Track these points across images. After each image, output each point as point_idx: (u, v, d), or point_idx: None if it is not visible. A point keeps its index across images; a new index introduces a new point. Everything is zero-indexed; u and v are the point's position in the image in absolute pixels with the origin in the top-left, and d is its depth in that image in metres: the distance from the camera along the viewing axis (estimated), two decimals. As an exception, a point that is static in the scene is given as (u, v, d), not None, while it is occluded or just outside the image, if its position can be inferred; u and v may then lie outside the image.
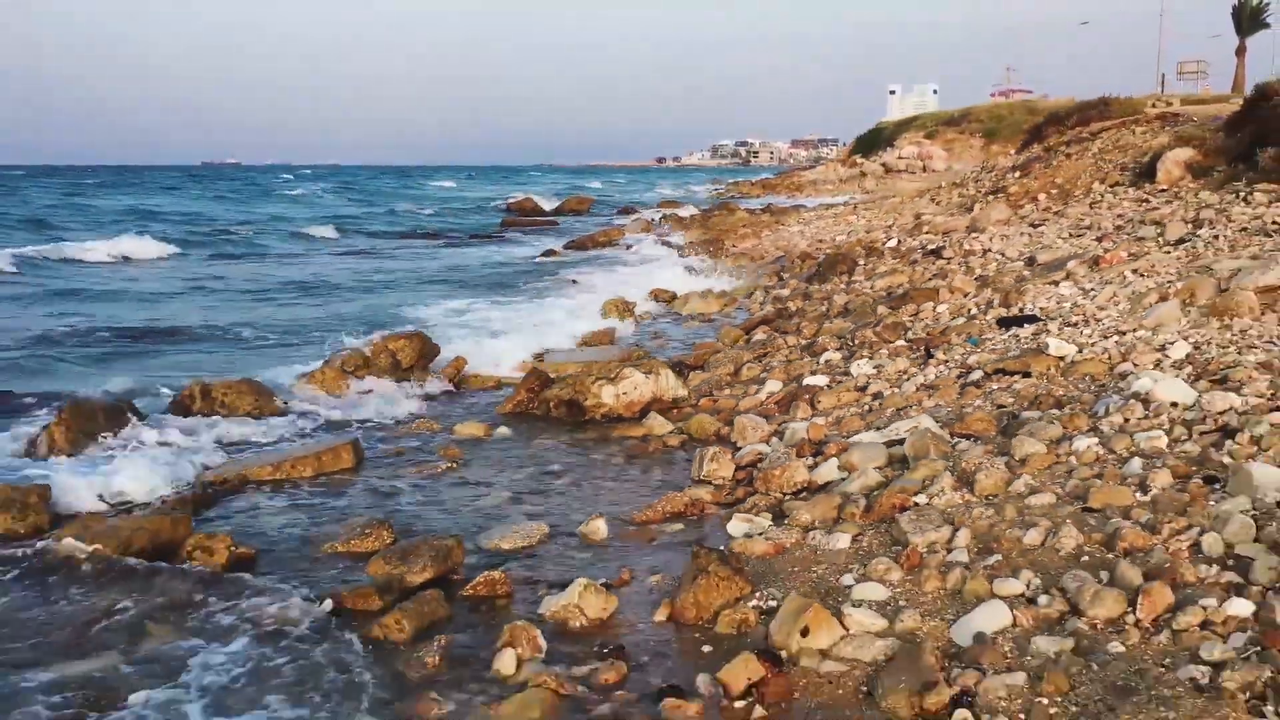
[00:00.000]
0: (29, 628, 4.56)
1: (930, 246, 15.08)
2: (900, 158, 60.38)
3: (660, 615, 4.52)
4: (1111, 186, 18.62)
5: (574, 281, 17.06)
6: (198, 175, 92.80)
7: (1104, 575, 4.11)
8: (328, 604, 4.66)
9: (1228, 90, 41.18)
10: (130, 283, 18.74)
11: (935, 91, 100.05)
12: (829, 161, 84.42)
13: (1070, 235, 13.76)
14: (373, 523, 5.57)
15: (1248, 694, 3.19)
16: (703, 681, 3.87)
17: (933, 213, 21.39)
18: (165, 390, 8.59)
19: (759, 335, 11.02)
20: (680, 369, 9.20)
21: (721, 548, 4.90)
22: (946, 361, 8.18)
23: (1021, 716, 3.31)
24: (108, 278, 19.54)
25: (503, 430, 7.87)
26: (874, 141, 71.97)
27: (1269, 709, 3.09)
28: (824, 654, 3.95)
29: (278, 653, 4.30)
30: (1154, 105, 30.82)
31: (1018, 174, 22.62)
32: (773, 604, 4.39)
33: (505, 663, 4.08)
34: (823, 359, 9.10)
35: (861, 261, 15.19)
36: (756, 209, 33.71)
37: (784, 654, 3.95)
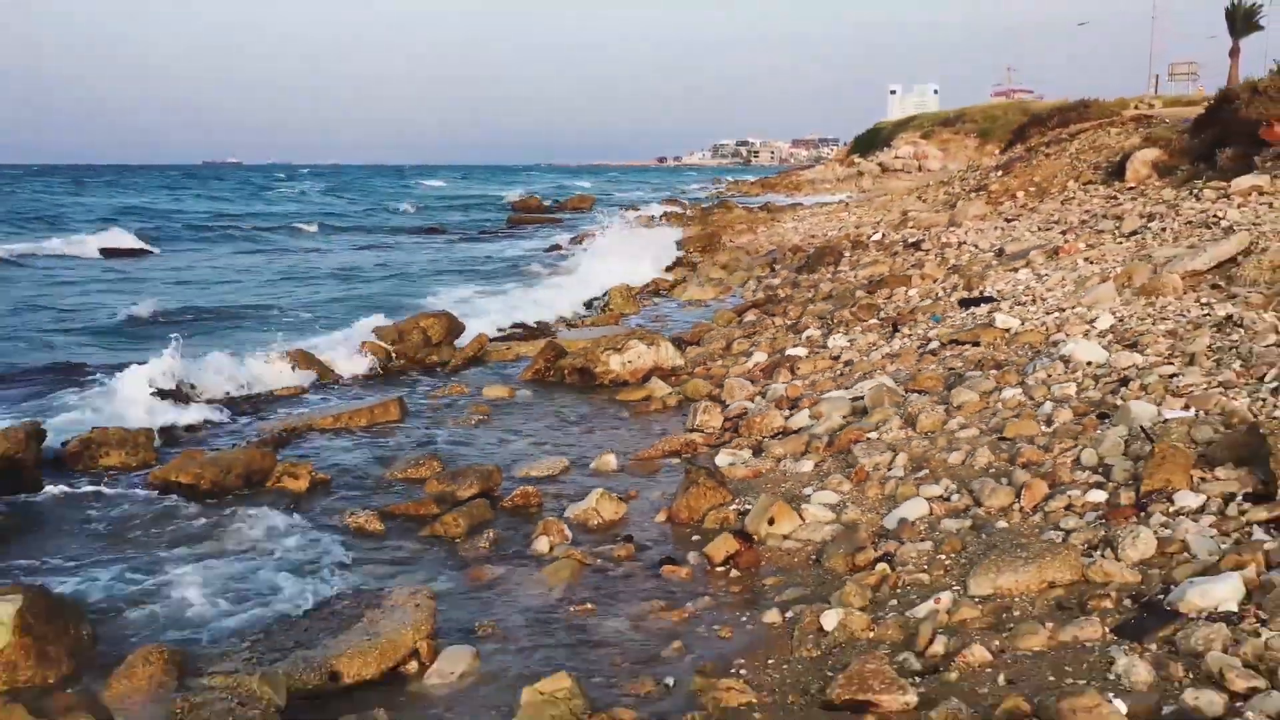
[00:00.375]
0: (160, 527, 5.77)
1: (911, 240, 16.27)
2: (897, 157, 61.53)
3: (660, 517, 5.74)
4: (1085, 185, 19.83)
5: (579, 271, 18.26)
6: (196, 175, 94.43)
7: (1003, 480, 5.32)
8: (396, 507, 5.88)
9: (1222, 92, 41.95)
10: (162, 273, 19.96)
11: (936, 91, 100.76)
12: (828, 161, 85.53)
13: (1039, 229, 14.94)
14: (424, 456, 6.79)
15: (1085, 545, 4.39)
16: (692, 555, 5.09)
17: (919, 210, 22.60)
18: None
19: (749, 317, 12.22)
20: (678, 344, 10.40)
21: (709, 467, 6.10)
22: (910, 335, 9.38)
23: (925, 566, 4.52)
24: (125, 270, 20.74)
25: (524, 393, 9.09)
26: (872, 141, 73.16)
27: (1096, 553, 4.29)
28: (785, 537, 5.17)
29: (357, 540, 5.52)
30: (1137, 106, 32.02)
31: (1000, 173, 23.82)
32: (748, 507, 5.60)
33: (540, 545, 5.30)
34: (804, 335, 10.29)
35: (848, 254, 16.38)
36: (754, 207, 34.93)
37: (755, 537, 5.17)
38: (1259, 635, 3.40)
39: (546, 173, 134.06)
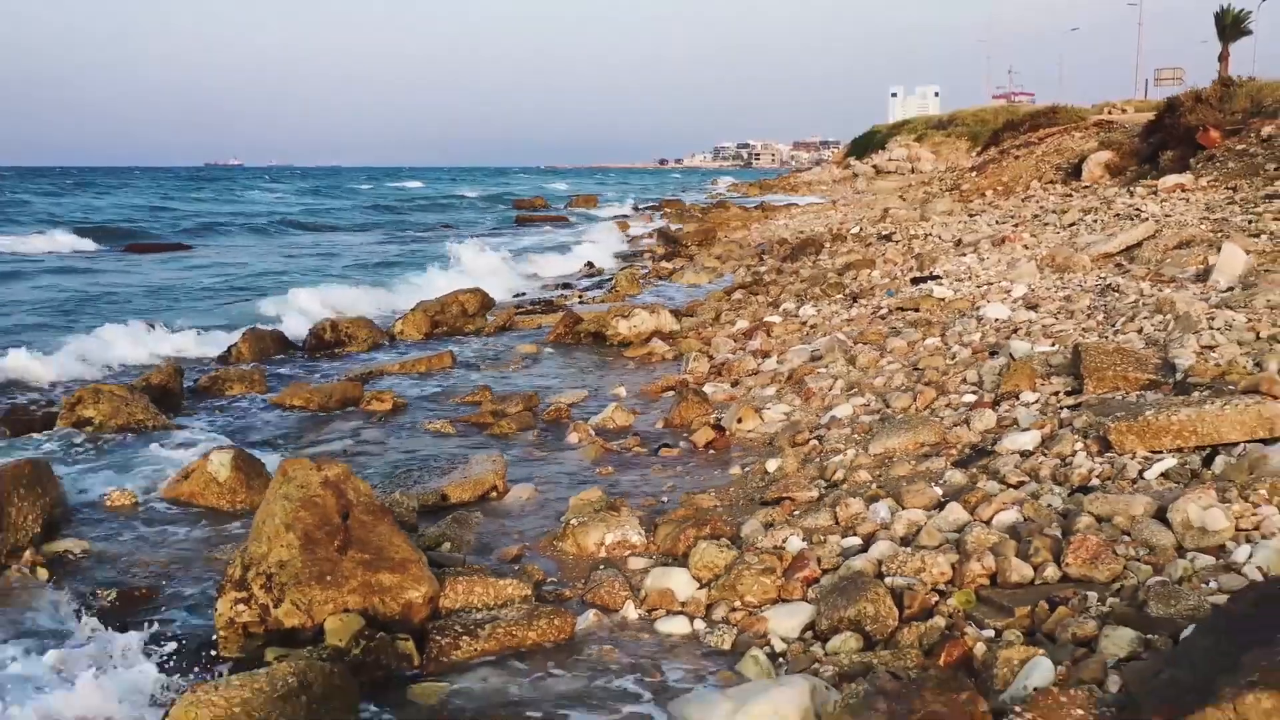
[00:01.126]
0: (285, 431, 7.77)
1: (884, 233, 18.27)
2: (891, 160, 63.45)
3: (659, 424, 7.75)
4: (1046, 184, 21.88)
5: (590, 264, 20.31)
6: (196, 177, 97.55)
7: (908, 393, 7.32)
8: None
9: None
10: (195, 264, 22.00)
11: (937, 94, 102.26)
12: (827, 164, 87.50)
13: (997, 223, 16.94)
14: (478, 388, 8.81)
15: (951, 424, 6.39)
16: (682, 443, 7.10)
17: (899, 208, 24.62)
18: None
19: (737, 296, 14.23)
20: (675, 315, 12.40)
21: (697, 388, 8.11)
22: (866, 305, 11.38)
23: (842, 440, 6.51)
24: (180, 262, 22.79)
25: (549, 350, 11.12)
26: (868, 144, 75.16)
27: (956, 428, 6.28)
28: (749, 431, 7.17)
29: (438, 437, 7.51)
30: (1110, 111, 34.02)
31: (974, 174, 25.86)
32: (724, 415, 7.60)
33: (572, 438, 7.32)
34: (781, 308, 12.30)
35: (828, 245, 18.39)
36: (750, 206, 36.98)
37: (727, 430, 7.17)
38: (1038, 460, 5.40)
39: (544, 174, 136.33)
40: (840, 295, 12.39)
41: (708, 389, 8.67)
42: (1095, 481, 4.98)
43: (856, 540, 4.65)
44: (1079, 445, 5.46)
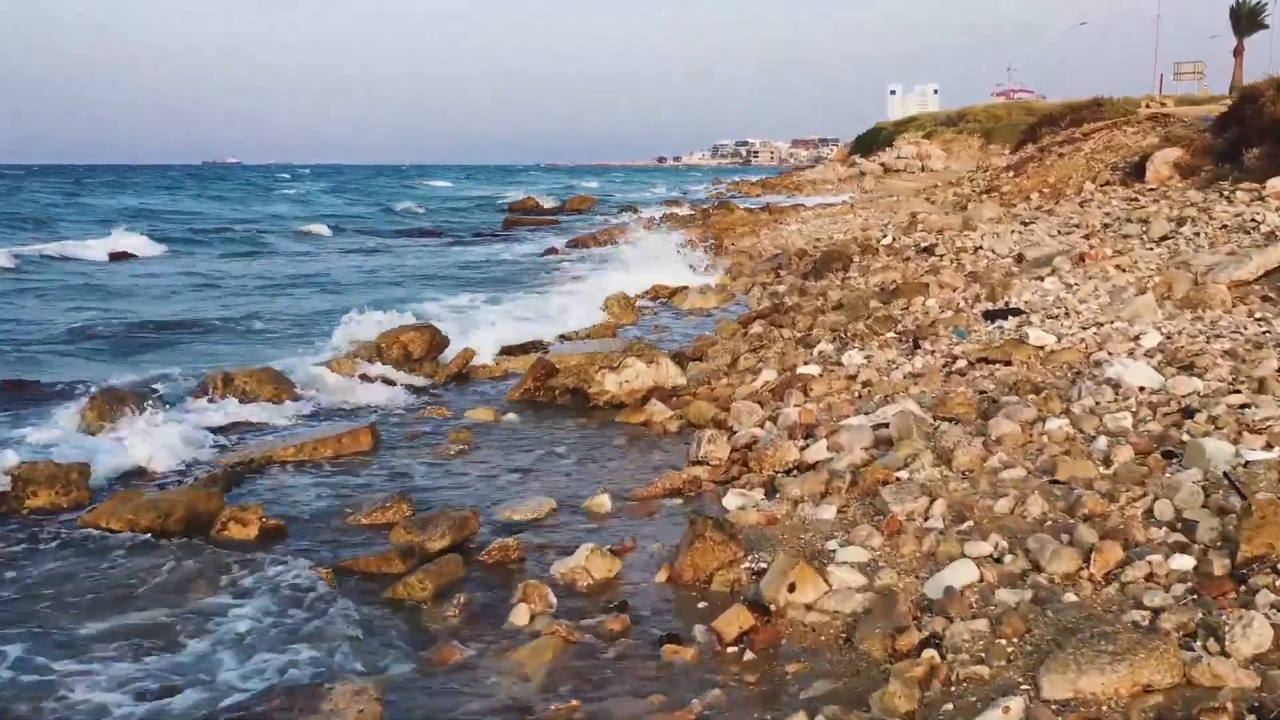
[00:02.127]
0: (80, 589, 4.96)
1: (923, 244, 15.44)
2: (899, 157, 60.73)
3: (661, 577, 4.93)
4: (1102, 186, 19.04)
5: (576, 278, 17.47)
6: (197, 175, 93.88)
7: (1064, 538, 4.52)
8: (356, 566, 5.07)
9: (1226, 91, 41.47)
10: (138, 279, 19.16)
11: (936, 91, 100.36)
12: (829, 161, 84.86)
13: (1059, 232, 14.13)
14: (393, 497, 5.98)
15: (1181, 633, 3.59)
16: (699, 631, 4.28)
17: (928, 211, 21.79)
18: (188, 378, 9.00)
19: (755, 329, 11.40)
20: (680, 359, 9.59)
21: (717, 516, 5.29)
22: (933, 352, 8.57)
23: (982, 655, 3.71)
24: (115, 274, 19.96)
25: (511, 416, 8.28)
26: (872, 142, 72.50)
27: (1198, 645, 3.49)
28: (809, 607, 4.35)
29: (307, 610, 4.69)
30: (1148, 105, 31.24)
31: (1012, 173, 23.05)
32: (763, 566, 4.79)
33: (519, 615, 4.49)
34: (816, 350, 9.47)
35: (856, 259, 15.55)
36: (755, 208, 34.13)
37: (772, 607, 4.36)
38: None
39: (548, 173, 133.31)
40: (893, 334, 9.58)
41: (731, 500, 5.84)
42: None
43: None
44: None
